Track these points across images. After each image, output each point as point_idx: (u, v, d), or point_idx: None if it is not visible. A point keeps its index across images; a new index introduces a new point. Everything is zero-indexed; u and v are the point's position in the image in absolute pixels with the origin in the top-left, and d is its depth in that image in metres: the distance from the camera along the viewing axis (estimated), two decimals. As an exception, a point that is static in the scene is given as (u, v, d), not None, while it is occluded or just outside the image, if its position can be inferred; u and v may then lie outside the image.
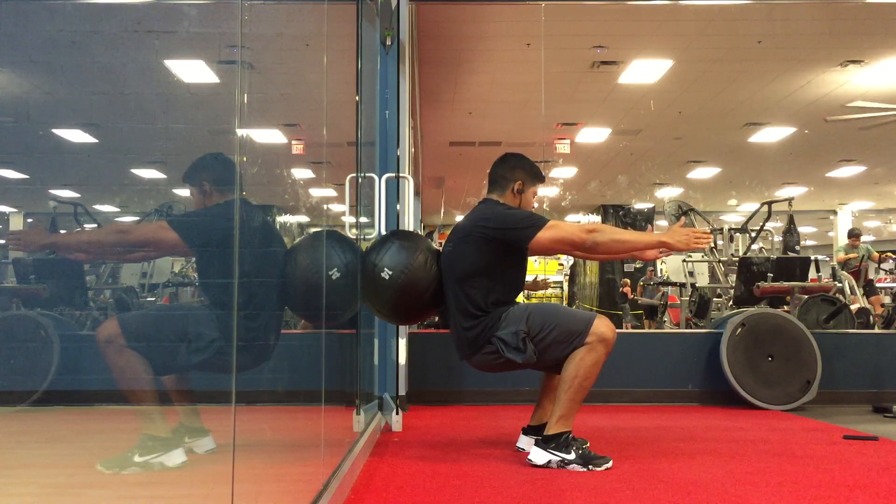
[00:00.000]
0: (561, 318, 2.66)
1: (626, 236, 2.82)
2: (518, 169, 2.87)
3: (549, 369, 2.83)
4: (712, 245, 6.78)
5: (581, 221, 13.61)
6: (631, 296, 11.00)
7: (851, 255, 8.40)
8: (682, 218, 6.42)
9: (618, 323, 10.39)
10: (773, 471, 2.55)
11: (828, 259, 9.93)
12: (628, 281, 11.42)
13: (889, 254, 8.08)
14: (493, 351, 2.69)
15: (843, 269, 8.02)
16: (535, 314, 2.67)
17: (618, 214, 12.97)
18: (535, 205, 2.94)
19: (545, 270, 13.53)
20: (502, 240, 2.70)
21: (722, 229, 6.82)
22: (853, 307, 6.42)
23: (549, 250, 2.93)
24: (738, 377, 4.21)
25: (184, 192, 2.59)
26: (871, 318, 6.52)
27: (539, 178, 2.90)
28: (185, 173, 2.59)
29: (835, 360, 4.45)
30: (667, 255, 3.04)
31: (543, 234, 2.66)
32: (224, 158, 2.63)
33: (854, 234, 8.59)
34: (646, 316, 10.11)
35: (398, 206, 3.63)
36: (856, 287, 7.27)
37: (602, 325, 2.62)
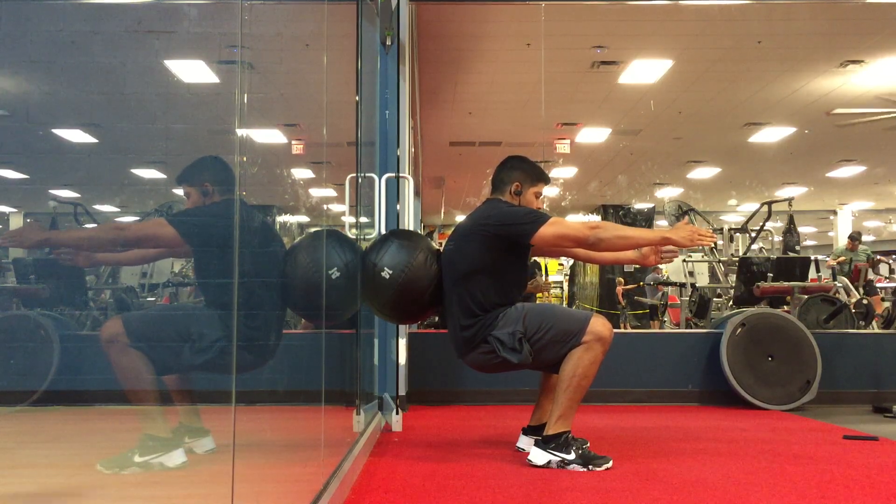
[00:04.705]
0: (557, 318, 2.66)
1: (629, 232, 2.81)
2: (515, 171, 2.85)
3: (546, 369, 2.83)
4: (712, 245, 6.78)
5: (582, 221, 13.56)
6: (629, 287, 10.92)
7: (842, 259, 8.43)
8: (686, 217, 6.43)
9: (615, 323, 10.36)
10: (773, 471, 2.55)
11: (827, 259, 9.95)
12: (622, 280, 11.33)
13: (881, 258, 8.10)
14: (489, 350, 2.69)
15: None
16: (532, 314, 2.67)
17: (618, 214, 12.95)
18: (541, 206, 2.91)
19: (545, 271, 13.49)
20: (504, 236, 2.69)
21: (722, 229, 6.82)
22: (852, 301, 6.41)
23: (552, 247, 2.91)
24: (738, 377, 4.21)
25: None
26: (869, 303, 6.50)
27: (540, 178, 2.88)
28: (181, 174, 2.58)
29: (835, 360, 4.45)
30: (668, 262, 3.03)
31: (546, 230, 2.65)
32: (221, 160, 2.63)
33: (852, 238, 8.62)
34: (650, 316, 10.05)
35: (398, 206, 3.63)
36: (851, 287, 7.28)
37: (598, 324, 2.62)
